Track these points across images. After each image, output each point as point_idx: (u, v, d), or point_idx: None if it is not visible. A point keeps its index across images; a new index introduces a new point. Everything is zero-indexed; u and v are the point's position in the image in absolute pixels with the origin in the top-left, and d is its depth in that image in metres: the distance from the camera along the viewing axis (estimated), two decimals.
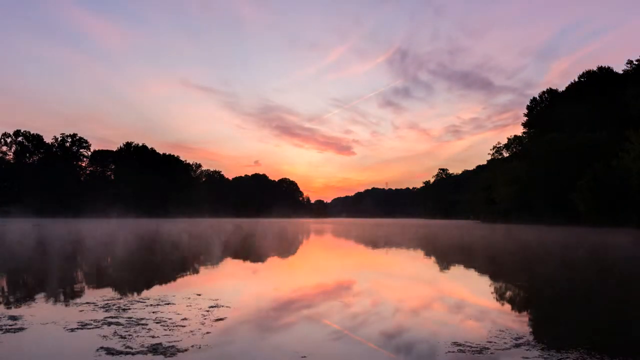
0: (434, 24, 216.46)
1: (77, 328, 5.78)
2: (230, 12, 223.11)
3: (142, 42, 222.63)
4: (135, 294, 8.44)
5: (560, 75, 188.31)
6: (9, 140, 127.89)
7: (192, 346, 5.03)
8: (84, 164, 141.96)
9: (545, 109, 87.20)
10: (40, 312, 6.82)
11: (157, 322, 6.08)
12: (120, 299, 7.85)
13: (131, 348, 4.91)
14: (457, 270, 13.70)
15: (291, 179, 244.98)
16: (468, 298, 8.44)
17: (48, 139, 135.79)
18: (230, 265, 14.06)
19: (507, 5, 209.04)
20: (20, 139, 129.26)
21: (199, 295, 8.19)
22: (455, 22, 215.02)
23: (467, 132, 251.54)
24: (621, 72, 77.76)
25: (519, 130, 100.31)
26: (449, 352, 4.94)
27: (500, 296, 9.02)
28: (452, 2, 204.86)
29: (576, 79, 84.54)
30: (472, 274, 12.61)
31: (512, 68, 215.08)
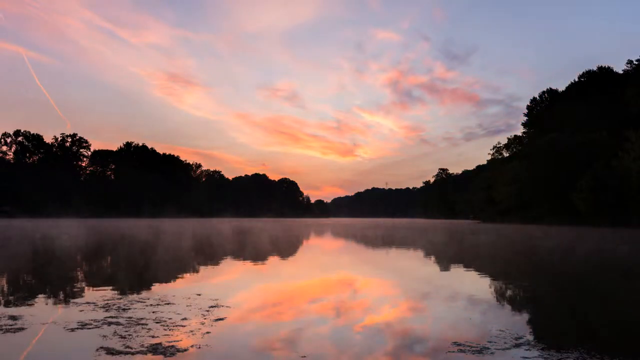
0: (424, 50, 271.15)
1: (77, 328, 5.78)
2: (246, 37, 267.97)
3: (166, 59, 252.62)
4: (135, 293, 8.44)
5: (536, 90, 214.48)
6: (9, 140, 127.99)
7: (192, 346, 5.03)
8: (84, 164, 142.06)
9: (545, 109, 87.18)
10: (40, 311, 6.83)
11: (157, 322, 6.08)
12: (120, 299, 7.86)
13: (131, 348, 4.91)
14: (458, 270, 13.70)
15: (292, 179, 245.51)
16: (468, 298, 8.43)
17: (48, 139, 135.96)
18: (230, 266, 14.06)
19: (484, 33, 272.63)
20: (20, 139, 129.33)
21: (199, 295, 8.20)
22: (442, 49, 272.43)
23: (461, 138, 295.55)
24: (621, 72, 77.80)
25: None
26: (449, 352, 4.94)
27: (500, 296, 9.02)
28: (437, 33, 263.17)
29: (576, 79, 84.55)
30: (472, 274, 12.61)
31: (496, 84, 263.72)
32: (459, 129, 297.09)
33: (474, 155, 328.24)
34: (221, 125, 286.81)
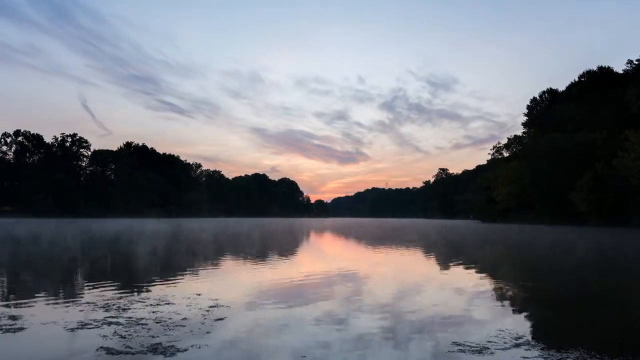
0: (412, 81, 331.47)
1: (77, 328, 5.78)
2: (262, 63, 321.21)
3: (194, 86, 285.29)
4: (135, 293, 8.44)
5: (511, 108, 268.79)
6: (9, 140, 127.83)
7: (192, 346, 5.03)
8: (84, 164, 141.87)
9: (546, 109, 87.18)
10: (40, 311, 6.83)
11: (157, 322, 6.08)
12: (120, 298, 7.86)
13: (131, 348, 4.91)
14: (457, 270, 13.70)
15: (292, 179, 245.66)
16: (468, 298, 8.43)
17: (48, 139, 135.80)
18: (230, 265, 14.06)
19: (464, 65, 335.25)
20: (20, 139, 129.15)
21: (199, 295, 8.19)
22: (427, 80, 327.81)
23: (450, 148, 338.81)
24: (621, 72, 77.76)
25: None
26: (449, 351, 4.94)
27: (500, 296, 9.02)
28: (421, 67, 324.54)
29: (576, 79, 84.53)
30: (472, 274, 12.61)
31: (476, 106, 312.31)
32: (448, 141, 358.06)
33: (465, 159, 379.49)
34: (233, 138, 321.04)
